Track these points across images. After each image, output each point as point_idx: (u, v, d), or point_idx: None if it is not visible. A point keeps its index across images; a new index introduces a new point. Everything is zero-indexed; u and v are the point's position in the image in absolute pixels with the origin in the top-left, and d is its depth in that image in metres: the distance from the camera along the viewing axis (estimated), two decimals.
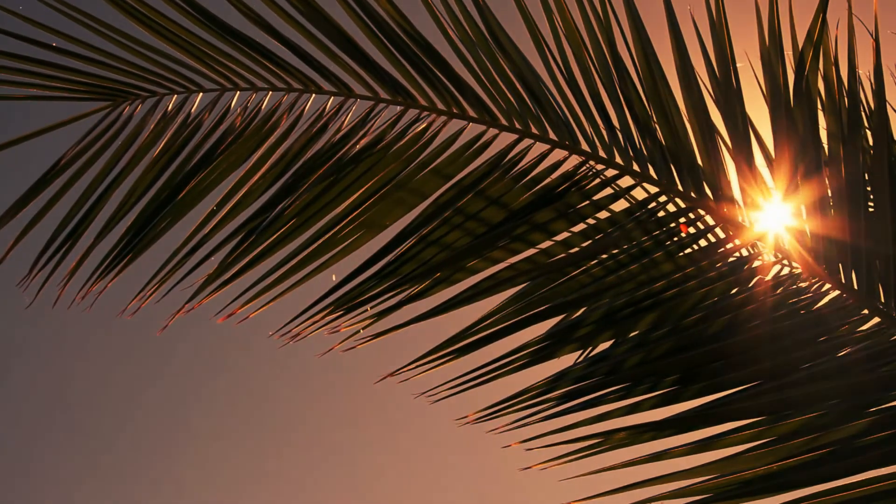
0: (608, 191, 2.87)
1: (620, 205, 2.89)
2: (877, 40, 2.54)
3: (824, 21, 2.71)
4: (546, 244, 2.86)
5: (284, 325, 2.79)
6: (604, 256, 2.80)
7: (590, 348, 2.75)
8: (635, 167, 2.88)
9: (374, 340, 2.80)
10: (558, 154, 2.93)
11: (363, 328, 2.80)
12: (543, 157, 2.91)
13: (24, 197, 2.87)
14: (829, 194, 2.68)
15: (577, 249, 2.84)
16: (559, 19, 2.91)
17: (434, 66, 2.94)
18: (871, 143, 2.80)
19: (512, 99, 2.94)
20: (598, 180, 2.89)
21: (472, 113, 2.97)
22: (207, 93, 3.05)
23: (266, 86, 3.03)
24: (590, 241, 2.84)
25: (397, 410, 10.19)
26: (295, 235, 2.89)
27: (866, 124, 3.02)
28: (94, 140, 2.97)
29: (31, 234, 2.84)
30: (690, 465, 2.49)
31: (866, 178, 2.68)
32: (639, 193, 2.90)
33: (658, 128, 2.85)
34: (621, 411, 2.60)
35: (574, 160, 2.92)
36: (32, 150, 2.96)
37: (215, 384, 10.96)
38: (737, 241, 2.78)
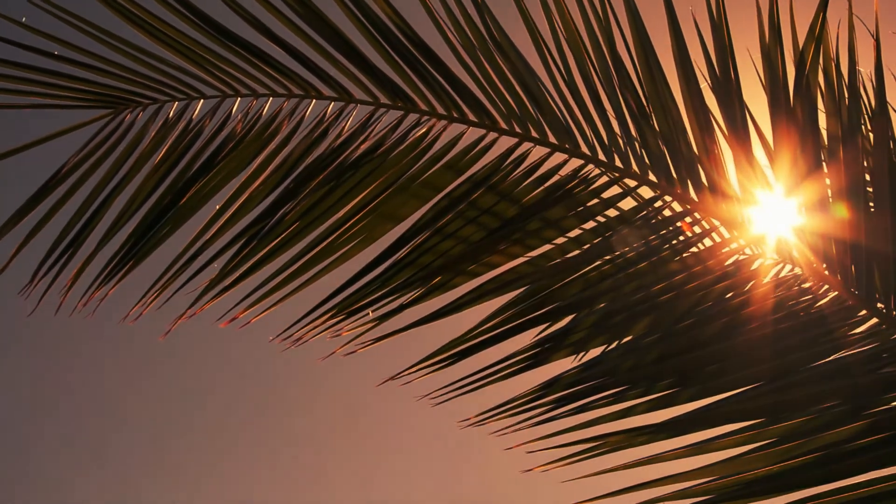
0: (607, 193, 2.87)
1: (620, 207, 2.89)
2: (877, 40, 2.54)
3: (824, 21, 2.71)
4: (547, 247, 2.86)
5: (286, 330, 2.80)
6: (605, 259, 2.80)
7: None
8: (635, 169, 2.88)
9: (375, 344, 2.81)
10: (558, 157, 2.93)
11: (365, 332, 2.81)
12: (544, 160, 2.91)
13: (27, 205, 2.88)
14: (830, 195, 2.68)
15: (580, 251, 2.84)
16: (559, 21, 2.91)
17: (434, 70, 2.94)
18: (871, 143, 2.79)
19: (512, 102, 2.95)
20: (598, 183, 2.89)
21: (471, 117, 2.98)
22: (208, 99, 3.05)
23: (267, 92, 3.04)
24: (591, 244, 2.84)
25: (399, 413, 10.20)
26: (296, 240, 2.90)
27: (867, 125, 3.01)
28: (95, 147, 2.97)
29: (33, 241, 2.86)
30: (692, 466, 2.49)
31: (867, 178, 2.68)
32: (638, 196, 2.90)
33: (658, 130, 2.85)
34: (623, 413, 2.60)
35: (574, 163, 2.92)
36: (34, 158, 2.98)
37: (217, 389, 10.99)
38: (736, 243, 2.78)
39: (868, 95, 3.15)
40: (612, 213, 2.89)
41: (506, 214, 2.90)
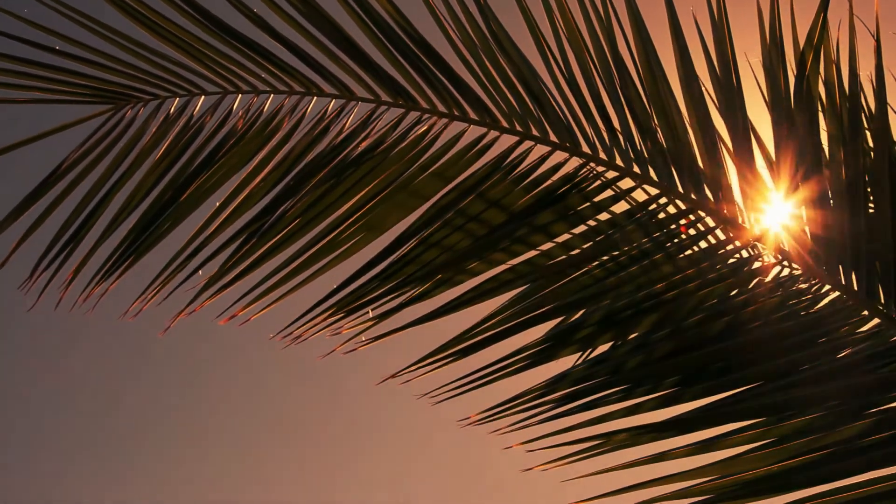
0: (609, 193, 2.87)
1: (621, 207, 2.89)
2: (878, 41, 2.54)
3: (825, 21, 2.71)
4: (547, 246, 2.86)
5: (286, 328, 2.80)
6: (605, 258, 2.80)
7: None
8: (636, 169, 2.88)
9: (375, 342, 2.81)
10: (559, 156, 2.94)
11: (365, 330, 2.81)
12: (544, 159, 2.92)
13: (27, 200, 2.88)
14: (830, 195, 2.68)
15: (578, 251, 2.84)
16: (560, 20, 2.91)
17: (435, 68, 2.94)
18: (871, 144, 2.80)
19: (513, 101, 2.95)
20: (598, 182, 2.89)
21: (473, 115, 2.98)
22: (209, 96, 3.05)
23: (268, 88, 3.04)
24: (590, 244, 2.84)
25: (399, 412, 10.20)
26: (297, 238, 2.90)
27: (867, 125, 3.01)
28: (96, 143, 2.97)
29: (33, 237, 2.85)
30: (693, 465, 2.49)
31: (866, 179, 2.68)
32: (639, 195, 2.91)
33: (659, 129, 2.85)
34: (624, 412, 2.60)
35: (575, 162, 2.92)
36: (35, 153, 2.97)
37: (216, 386, 10.98)
38: (737, 243, 2.78)
39: (867, 97, 3.15)
40: (610, 213, 2.89)
41: (506, 215, 2.89)
